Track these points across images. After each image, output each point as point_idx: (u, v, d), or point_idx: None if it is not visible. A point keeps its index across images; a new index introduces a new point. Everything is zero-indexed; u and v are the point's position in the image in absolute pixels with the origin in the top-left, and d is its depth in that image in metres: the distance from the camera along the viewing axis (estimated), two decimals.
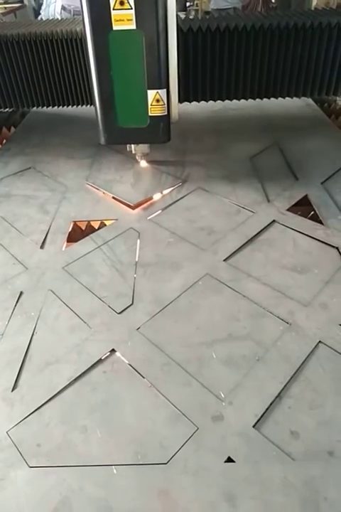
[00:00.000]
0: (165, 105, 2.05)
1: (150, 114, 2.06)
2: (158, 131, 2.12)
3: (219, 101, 2.62)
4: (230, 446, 1.14)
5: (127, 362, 1.38)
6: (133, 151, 2.42)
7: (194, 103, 2.64)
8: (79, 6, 5.78)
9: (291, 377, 1.30)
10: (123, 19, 1.82)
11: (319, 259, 1.77)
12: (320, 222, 1.99)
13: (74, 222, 2.09)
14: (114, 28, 1.84)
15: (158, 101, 2.02)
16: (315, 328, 1.45)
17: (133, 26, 1.83)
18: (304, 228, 1.93)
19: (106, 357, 1.41)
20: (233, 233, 1.95)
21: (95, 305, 1.60)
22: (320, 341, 1.41)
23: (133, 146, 2.39)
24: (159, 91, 2.00)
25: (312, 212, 2.07)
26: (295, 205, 2.12)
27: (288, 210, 2.07)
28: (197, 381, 1.31)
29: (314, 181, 2.28)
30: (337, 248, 1.80)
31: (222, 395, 1.27)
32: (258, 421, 1.20)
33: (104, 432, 1.20)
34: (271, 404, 1.24)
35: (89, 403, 1.27)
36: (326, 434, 1.16)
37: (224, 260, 1.80)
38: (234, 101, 2.63)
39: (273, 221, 2.01)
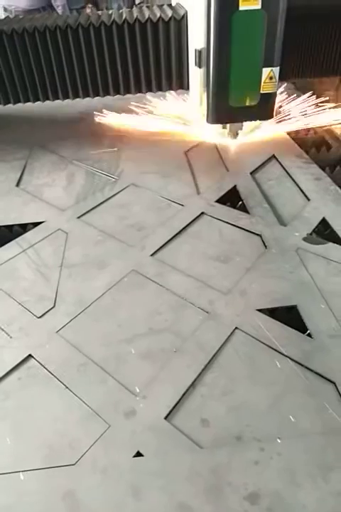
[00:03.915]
0: (277, 82, 2.14)
1: (261, 91, 2.13)
2: (268, 108, 2.22)
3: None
4: (140, 441, 1.14)
5: (43, 366, 1.36)
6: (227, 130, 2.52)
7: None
8: (20, 6, 5.57)
9: (205, 366, 1.31)
10: None
11: (242, 247, 1.79)
12: (247, 211, 2.02)
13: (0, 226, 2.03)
14: (240, 8, 1.88)
15: (271, 78, 2.11)
16: (233, 315, 1.47)
17: (258, 6, 1.89)
18: (230, 218, 1.96)
19: (22, 363, 1.37)
20: (162, 228, 1.95)
21: (14, 311, 1.56)
22: (236, 327, 1.43)
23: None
24: (273, 68, 2.08)
25: (241, 202, 2.10)
26: (225, 196, 2.15)
27: (216, 201, 2.10)
28: (114, 379, 1.30)
29: (243, 172, 2.32)
30: (259, 235, 1.84)
31: (137, 390, 1.26)
32: (170, 412, 1.20)
33: (14, 439, 1.17)
34: (184, 394, 1.24)
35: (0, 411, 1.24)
36: (235, 420, 1.18)
37: (151, 255, 1.79)
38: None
39: (202, 213, 2.02)
